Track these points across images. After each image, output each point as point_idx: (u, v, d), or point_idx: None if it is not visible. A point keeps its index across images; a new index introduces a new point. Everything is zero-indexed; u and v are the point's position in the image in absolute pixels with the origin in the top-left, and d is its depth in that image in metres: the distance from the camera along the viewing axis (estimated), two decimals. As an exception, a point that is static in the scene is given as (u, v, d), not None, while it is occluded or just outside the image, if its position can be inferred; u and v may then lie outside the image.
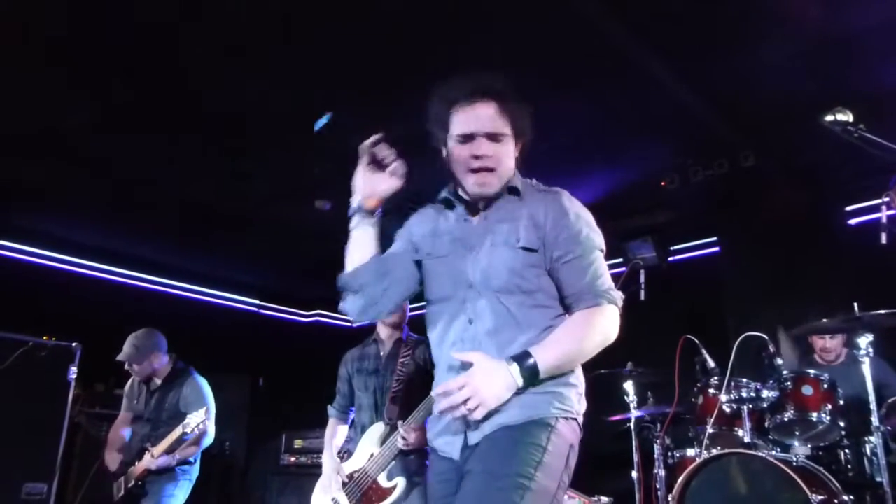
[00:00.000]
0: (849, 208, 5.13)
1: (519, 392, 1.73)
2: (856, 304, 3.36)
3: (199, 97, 4.24)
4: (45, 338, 4.63)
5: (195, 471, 4.11)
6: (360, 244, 1.94)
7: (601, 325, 1.80)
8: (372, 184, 1.90)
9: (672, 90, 4.13)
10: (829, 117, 2.28)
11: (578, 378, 1.88)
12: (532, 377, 1.71)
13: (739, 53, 3.83)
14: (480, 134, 1.84)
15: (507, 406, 1.73)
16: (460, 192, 1.96)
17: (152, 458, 3.86)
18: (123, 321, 4.55)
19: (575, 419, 1.82)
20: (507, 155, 1.88)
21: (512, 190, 1.92)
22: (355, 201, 1.93)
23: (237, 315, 7.92)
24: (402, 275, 1.97)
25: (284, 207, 5.83)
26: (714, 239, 5.88)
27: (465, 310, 1.85)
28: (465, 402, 1.67)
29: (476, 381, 1.68)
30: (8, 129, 4.58)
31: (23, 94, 4.20)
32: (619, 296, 1.85)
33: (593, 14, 3.50)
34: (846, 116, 2.26)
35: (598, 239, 1.88)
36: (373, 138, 1.88)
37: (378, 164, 1.89)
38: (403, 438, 3.11)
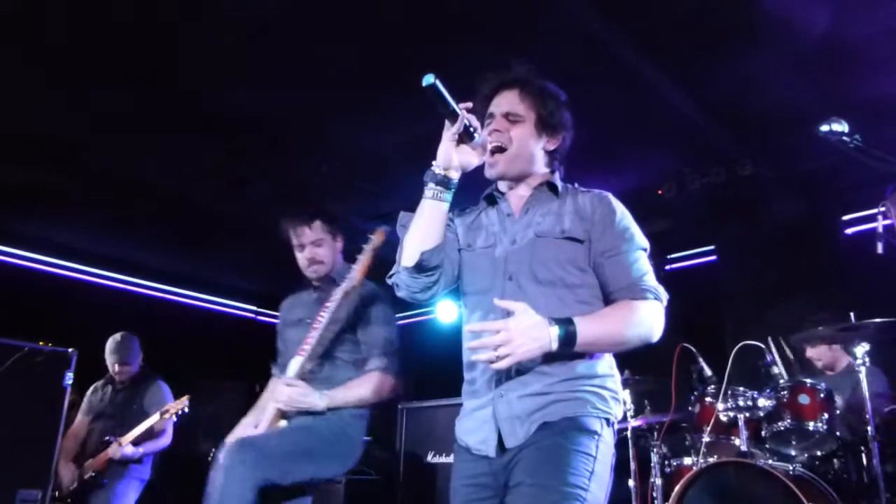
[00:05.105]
0: (846, 218, 5.14)
1: (552, 382, 1.70)
2: (852, 314, 3.36)
3: (198, 102, 4.25)
4: (41, 343, 4.60)
5: (147, 472, 4.26)
6: (434, 218, 1.77)
7: (647, 318, 1.75)
8: (457, 155, 1.76)
9: (670, 99, 4.15)
10: (825, 127, 2.29)
11: (616, 383, 1.84)
12: (568, 344, 1.63)
13: (737, 62, 3.84)
14: (497, 114, 1.87)
15: (542, 399, 1.70)
16: (501, 188, 1.95)
17: (119, 447, 4.00)
18: (120, 327, 4.56)
19: (613, 424, 1.79)
20: (522, 137, 1.86)
21: (551, 187, 1.91)
22: (437, 170, 1.76)
23: (235, 321, 7.90)
24: (451, 261, 1.89)
25: (283, 213, 5.82)
26: (711, 247, 5.88)
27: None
28: (496, 347, 1.59)
29: (513, 329, 1.59)
30: (5, 131, 4.58)
31: (21, 97, 4.20)
32: (665, 295, 1.80)
33: (591, 22, 3.51)
34: (842, 127, 2.27)
35: (643, 239, 1.85)
36: (466, 105, 1.73)
37: (466, 135, 1.74)
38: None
